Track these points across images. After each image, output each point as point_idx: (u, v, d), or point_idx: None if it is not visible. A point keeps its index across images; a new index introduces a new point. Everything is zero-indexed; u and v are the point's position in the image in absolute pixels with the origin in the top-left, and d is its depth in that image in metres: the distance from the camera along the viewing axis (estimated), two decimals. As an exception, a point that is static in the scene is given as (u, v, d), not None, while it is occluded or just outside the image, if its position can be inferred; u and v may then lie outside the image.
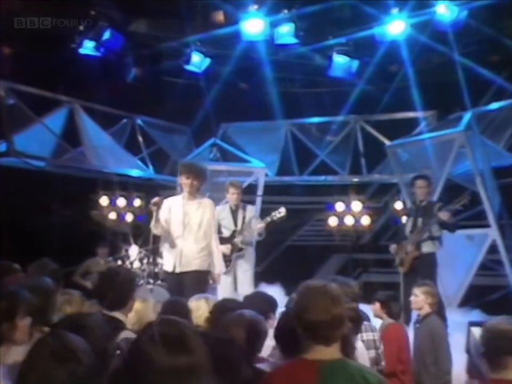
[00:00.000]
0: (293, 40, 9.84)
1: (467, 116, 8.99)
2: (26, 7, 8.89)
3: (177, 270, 6.42)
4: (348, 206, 12.23)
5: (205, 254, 6.51)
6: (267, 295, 4.69)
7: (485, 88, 10.20)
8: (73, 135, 10.15)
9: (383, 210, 12.56)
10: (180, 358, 1.85)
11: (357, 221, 12.35)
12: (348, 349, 3.11)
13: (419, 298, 5.74)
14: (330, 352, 2.66)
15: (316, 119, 11.78)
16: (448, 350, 5.57)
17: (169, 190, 10.87)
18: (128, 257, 8.63)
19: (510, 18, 10.06)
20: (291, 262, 11.79)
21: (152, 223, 6.38)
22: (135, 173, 10.88)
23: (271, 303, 4.56)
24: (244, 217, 8.09)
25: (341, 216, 12.29)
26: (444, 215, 7.21)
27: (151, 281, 8.39)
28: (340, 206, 12.23)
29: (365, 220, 12.34)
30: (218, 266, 6.66)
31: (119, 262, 8.65)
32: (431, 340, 5.53)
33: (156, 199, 6.31)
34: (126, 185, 10.76)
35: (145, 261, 8.46)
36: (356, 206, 12.21)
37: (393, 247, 7.85)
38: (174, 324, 1.96)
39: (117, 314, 3.88)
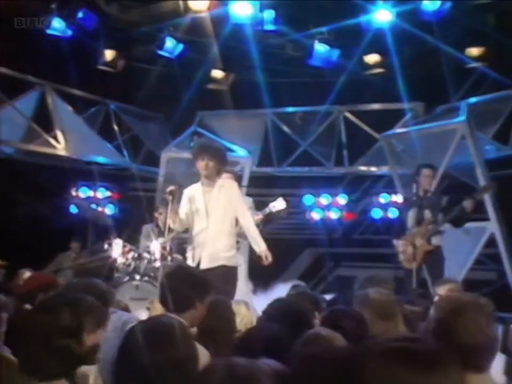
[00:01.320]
0: (272, 27, 9.52)
1: (464, 107, 8.80)
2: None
3: (203, 266, 5.66)
4: (324, 198, 12.09)
5: (233, 246, 5.83)
6: (312, 294, 4.35)
7: (470, 80, 10.09)
8: (45, 119, 9.47)
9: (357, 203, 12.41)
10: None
11: (335, 213, 12.21)
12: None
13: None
14: (485, 380, 2.17)
15: (297, 109, 11.39)
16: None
17: (148, 182, 10.42)
18: (111, 252, 8.02)
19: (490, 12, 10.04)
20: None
21: (169, 216, 5.69)
22: (111, 161, 10.27)
23: (316, 302, 4.24)
24: (239, 208, 7.59)
25: (319, 209, 12.16)
26: (469, 204, 6.92)
27: (137, 277, 7.85)
28: (317, 199, 12.11)
29: (342, 213, 12.21)
30: (260, 242, 5.80)
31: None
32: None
33: (171, 187, 5.67)
34: (100, 175, 10.15)
35: (130, 255, 7.89)
36: (333, 199, 12.09)
37: (398, 242, 7.50)
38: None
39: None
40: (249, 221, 5.96)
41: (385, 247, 12.04)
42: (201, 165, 5.79)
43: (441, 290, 5.38)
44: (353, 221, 12.52)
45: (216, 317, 3.77)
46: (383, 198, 12.02)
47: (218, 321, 3.78)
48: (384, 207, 12.03)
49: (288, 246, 12.30)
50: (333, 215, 12.34)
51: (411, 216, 7.43)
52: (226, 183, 6.02)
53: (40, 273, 5.49)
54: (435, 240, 7.26)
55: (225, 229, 5.79)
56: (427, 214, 7.32)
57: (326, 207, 12.29)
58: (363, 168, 11.25)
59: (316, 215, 12.37)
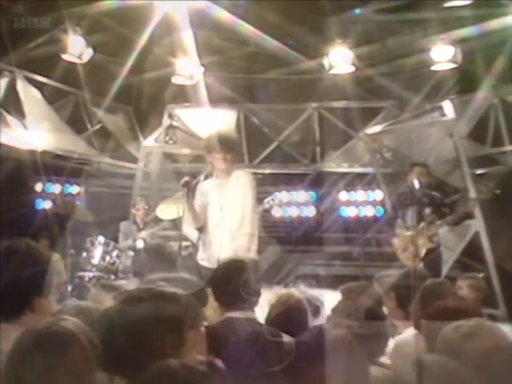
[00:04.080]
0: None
1: (447, 105, 8.84)
2: None
3: None
4: (289, 195, 11.95)
5: (250, 240, 5.37)
6: (372, 286, 4.16)
7: (441, 80, 10.19)
8: (15, 107, 8.90)
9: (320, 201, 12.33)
10: None
11: (302, 211, 12.09)
12: None
13: (463, 292, 5.33)
14: None
15: (272, 105, 11.21)
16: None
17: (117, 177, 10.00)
18: (92, 250, 7.61)
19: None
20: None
21: (185, 212, 5.33)
22: (81, 154, 9.77)
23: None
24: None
25: (285, 207, 12.01)
26: (470, 206, 7.00)
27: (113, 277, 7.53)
28: (284, 196, 11.93)
29: (310, 211, 12.10)
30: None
31: (84, 255, 7.63)
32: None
33: (186, 179, 5.32)
34: (68, 169, 9.64)
35: (114, 253, 7.52)
36: (302, 196, 11.98)
37: (395, 241, 7.48)
38: None
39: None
40: (251, 223, 5.47)
41: (348, 245, 12.18)
42: (217, 158, 5.49)
43: (462, 284, 5.36)
44: (316, 218, 12.43)
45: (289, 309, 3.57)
46: (347, 196, 12.01)
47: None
48: (349, 205, 12.02)
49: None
50: (297, 212, 12.23)
51: (408, 214, 7.41)
52: (243, 175, 5.67)
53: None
54: (436, 238, 7.30)
55: (244, 225, 5.39)
56: (427, 211, 7.33)
57: (291, 204, 12.17)
58: (333, 165, 11.16)
59: (279, 213, 12.22)
